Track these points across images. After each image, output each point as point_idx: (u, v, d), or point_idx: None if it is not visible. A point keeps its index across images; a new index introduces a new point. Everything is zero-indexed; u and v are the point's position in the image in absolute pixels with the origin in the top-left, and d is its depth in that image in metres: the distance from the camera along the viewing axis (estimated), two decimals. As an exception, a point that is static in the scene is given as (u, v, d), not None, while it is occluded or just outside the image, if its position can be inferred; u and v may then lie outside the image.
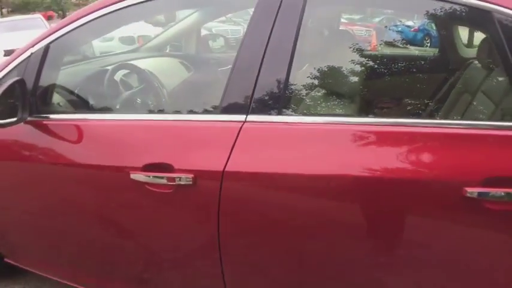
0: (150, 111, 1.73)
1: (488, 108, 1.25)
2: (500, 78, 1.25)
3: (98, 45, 9.37)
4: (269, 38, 1.18)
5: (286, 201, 1.18)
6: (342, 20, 2.12)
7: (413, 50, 2.17)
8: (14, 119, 1.34)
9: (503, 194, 1.02)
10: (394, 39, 1.96)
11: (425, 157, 1.12)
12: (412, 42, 2.32)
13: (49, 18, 23.51)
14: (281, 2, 1.20)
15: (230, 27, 4.11)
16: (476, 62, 1.50)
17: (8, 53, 8.28)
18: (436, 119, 1.35)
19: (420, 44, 2.50)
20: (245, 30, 1.28)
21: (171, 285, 1.46)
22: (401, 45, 1.95)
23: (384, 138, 1.14)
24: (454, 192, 1.02)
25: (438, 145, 1.10)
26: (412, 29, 2.40)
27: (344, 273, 1.20)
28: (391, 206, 1.11)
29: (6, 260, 1.75)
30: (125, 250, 1.44)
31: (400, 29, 2.10)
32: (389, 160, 1.10)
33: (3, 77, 1.46)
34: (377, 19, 2.95)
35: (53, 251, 1.62)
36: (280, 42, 1.19)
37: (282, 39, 1.19)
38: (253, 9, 1.26)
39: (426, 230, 1.11)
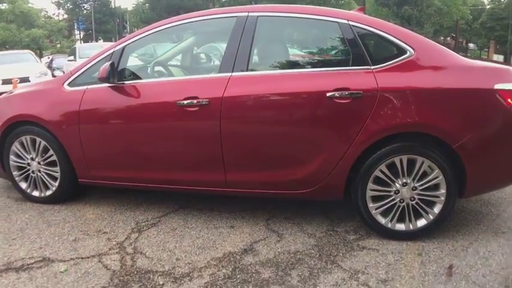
0: (184, 74, 3.12)
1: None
2: None
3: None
4: (238, 47, 2.47)
5: (249, 108, 2.45)
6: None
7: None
8: (109, 83, 2.62)
9: (346, 93, 2.26)
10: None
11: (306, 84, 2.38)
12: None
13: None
14: (243, 30, 2.49)
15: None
16: None
17: (5, 81, 8.69)
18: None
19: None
20: (226, 44, 2.57)
21: (195, 166, 2.59)
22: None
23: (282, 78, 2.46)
24: (322, 95, 2.29)
25: (309, 78, 2.40)
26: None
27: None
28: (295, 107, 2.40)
29: (80, 180, 2.83)
30: (172, 149, 2.60)
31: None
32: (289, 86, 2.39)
33: (98, 61, 2.75)
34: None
35: (125, 163, 2.70)
36: (244, 49, 2.45)
37: (244, 48, 2.45)
38: (229, 35, 2.54)
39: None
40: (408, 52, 2.29)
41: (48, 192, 2.95)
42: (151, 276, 2.09)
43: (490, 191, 2.65)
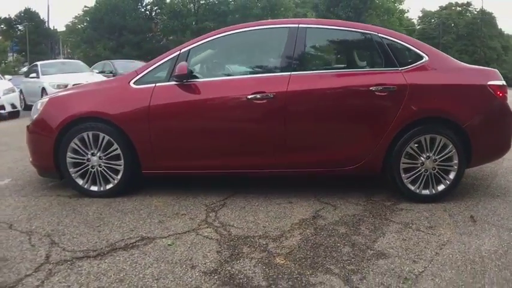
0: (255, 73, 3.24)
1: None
2: None
3: (54, 91, 9.52)
4: (294, 51, 3.01)
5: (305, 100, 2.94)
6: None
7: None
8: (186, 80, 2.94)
9: (384, 88, 2.85)
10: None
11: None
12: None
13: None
14: (296, 38, 2.97)
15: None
16: None
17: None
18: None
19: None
20: (283, 49, 3.05)
21: (260, 151, 2.96)
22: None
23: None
24: (366, 89, 2.84)
25: (354, 76, 3.00)
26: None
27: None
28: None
29: (144, 171, 3.01)
30: (239, 137, 2.94)
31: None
32: (339, 82, 2.96)
33: (164, 63, 3.05)
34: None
35: (194, 153, 2.97)
36: (299, 53, 3.02)
37: (299, 52, 3.02)
38: (285, 42, 3.05)
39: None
40: (424, 58, 2.96)
41: (109, 186, 3.05)
42: (252, 239, 2.39)
43: (487, 162, 3.32)
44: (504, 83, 2.98)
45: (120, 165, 3.01)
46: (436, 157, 2.91)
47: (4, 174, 3.85)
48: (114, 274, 1.98)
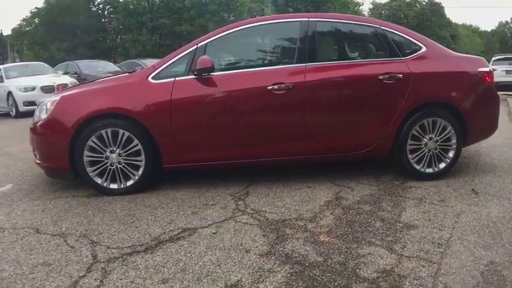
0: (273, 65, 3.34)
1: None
2: None
3: (21, 95, 9.10)
4: (307, 44, 3.15)
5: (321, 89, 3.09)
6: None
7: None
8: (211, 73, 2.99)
9: (391, 76, 3.07)
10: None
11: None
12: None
13: None
14: (307, 31, 3.14)
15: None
16: None
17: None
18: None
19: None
20: (298, 42, 3.16)
21: (280, 139, 3.07)
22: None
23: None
24: (375, 78, 3.04)
25: (363, 66, 3.18)
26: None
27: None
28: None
29: (166, 166, 3.01)
30: (260, 126, 3.03)
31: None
32: (351, 72, 3.15)
33: (181, 57, 3.07)
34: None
35: (216, 144, 3.01)
36: (311, 45, 3.16)
37: (312, 45, 3.15)
38: (298, 35, 3.18)
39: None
40: (423, 48, 3.22)
41: (129, 183, 3.01)
42: (289, 222, 2.50)
43: (479, 140, 3.60)
44: (491, 69, 3.32)
45: (141, 161, 2.98)
46: (437, 138, 3.19)
47: (2, 180, 3.63)
48: (173, 265, 2.00)
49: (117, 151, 2.96)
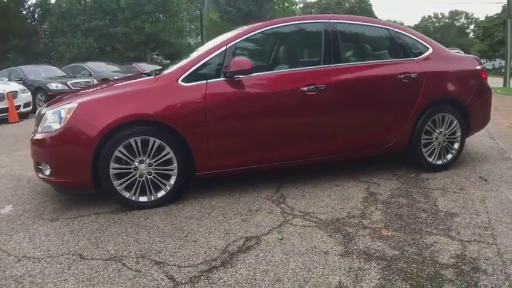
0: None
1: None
2: None
3: None
4: (331, 45, 3.18)
5: (346, 89, 3.13)
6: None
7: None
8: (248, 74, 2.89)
9: (407, 75, 3.26)
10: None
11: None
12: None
13: None
14: (330, 32, 3.20)
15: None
16: None
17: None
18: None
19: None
20: (323, 43, 3.17)
21: (312, 140, 3.09)
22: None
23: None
24: (395, 78, 3.21)
25: (385, 67, 3.31)
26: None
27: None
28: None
29: (198, 173, 2.88)
30: (293, 128, 3.03)
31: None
32: (374, 72, 3.27)
33: (211, 58, 2.93)
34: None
35: (250, 148, 2.94)
36: (335, 47, 3.19)
37: (336, 46, 3.19)
38: (323, 37, 3.20)
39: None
40: (430, 49, 3.46)
41: (160, 194, 2.81)
42: (344, 221, 2.52)
43: (477, 131, 3.88)
44: (483, 67, 3.70)
45: (173, 170, 2.80)
46: (446, 131, 3.45)
47: (-7, 201, 3.16)
48: (264, 277, 1.91)
49: (147, 161, 2.74)
